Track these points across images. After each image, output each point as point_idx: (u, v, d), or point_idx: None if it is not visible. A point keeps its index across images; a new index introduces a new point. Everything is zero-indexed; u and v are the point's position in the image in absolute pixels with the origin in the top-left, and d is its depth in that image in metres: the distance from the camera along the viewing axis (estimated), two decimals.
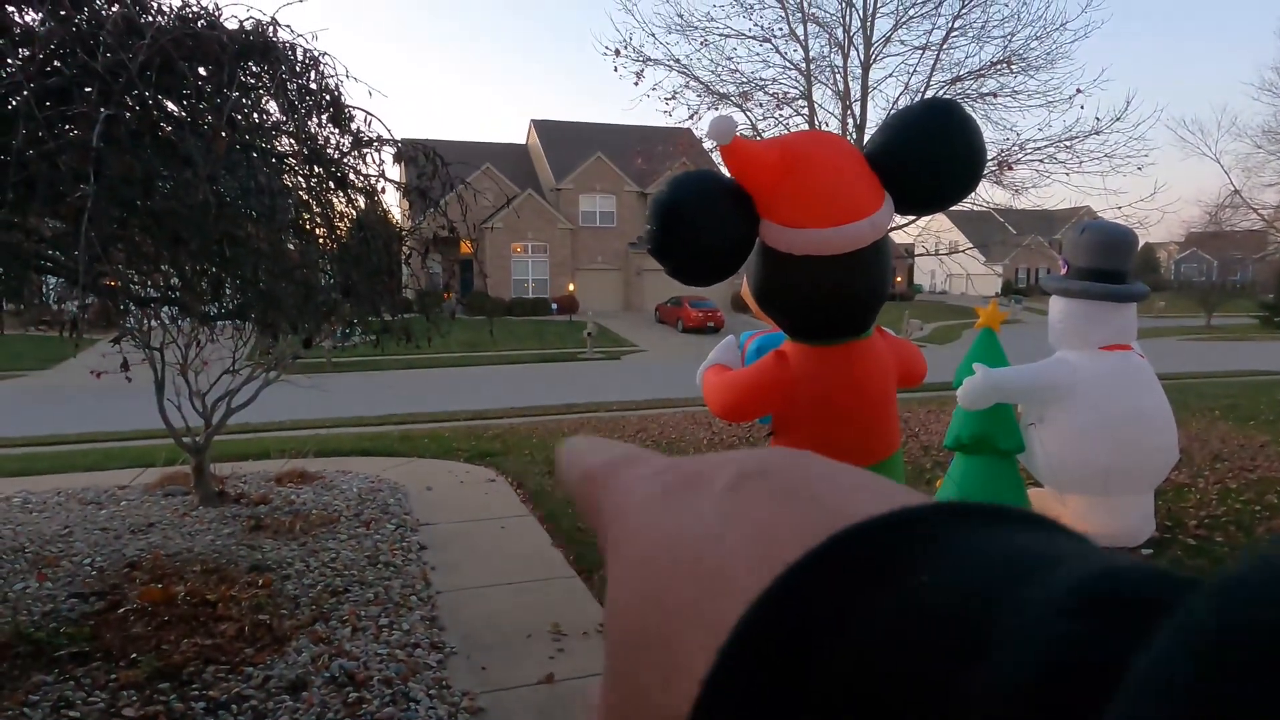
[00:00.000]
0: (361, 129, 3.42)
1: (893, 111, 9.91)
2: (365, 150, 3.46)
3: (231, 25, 3.35)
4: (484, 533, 5.89)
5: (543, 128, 43.87)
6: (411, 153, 3.69)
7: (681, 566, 0.25)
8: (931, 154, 3.64)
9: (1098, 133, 9.99)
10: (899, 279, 57.21)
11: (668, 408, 13.27)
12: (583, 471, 0.34)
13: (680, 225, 3.56)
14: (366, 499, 6.65)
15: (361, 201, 3.69)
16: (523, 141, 46.29)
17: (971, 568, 0.21)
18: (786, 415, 3.97)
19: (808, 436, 3.94)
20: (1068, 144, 10.09)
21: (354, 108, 3.41)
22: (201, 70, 3.14)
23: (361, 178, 3.55)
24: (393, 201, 6.53)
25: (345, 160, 3.45)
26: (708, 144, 10.35)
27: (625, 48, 10.57)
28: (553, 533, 5.84)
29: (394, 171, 4.10)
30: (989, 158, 10.48)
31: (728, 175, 3.72)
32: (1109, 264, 5.12)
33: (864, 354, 3.89)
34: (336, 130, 3.41)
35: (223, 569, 4.87)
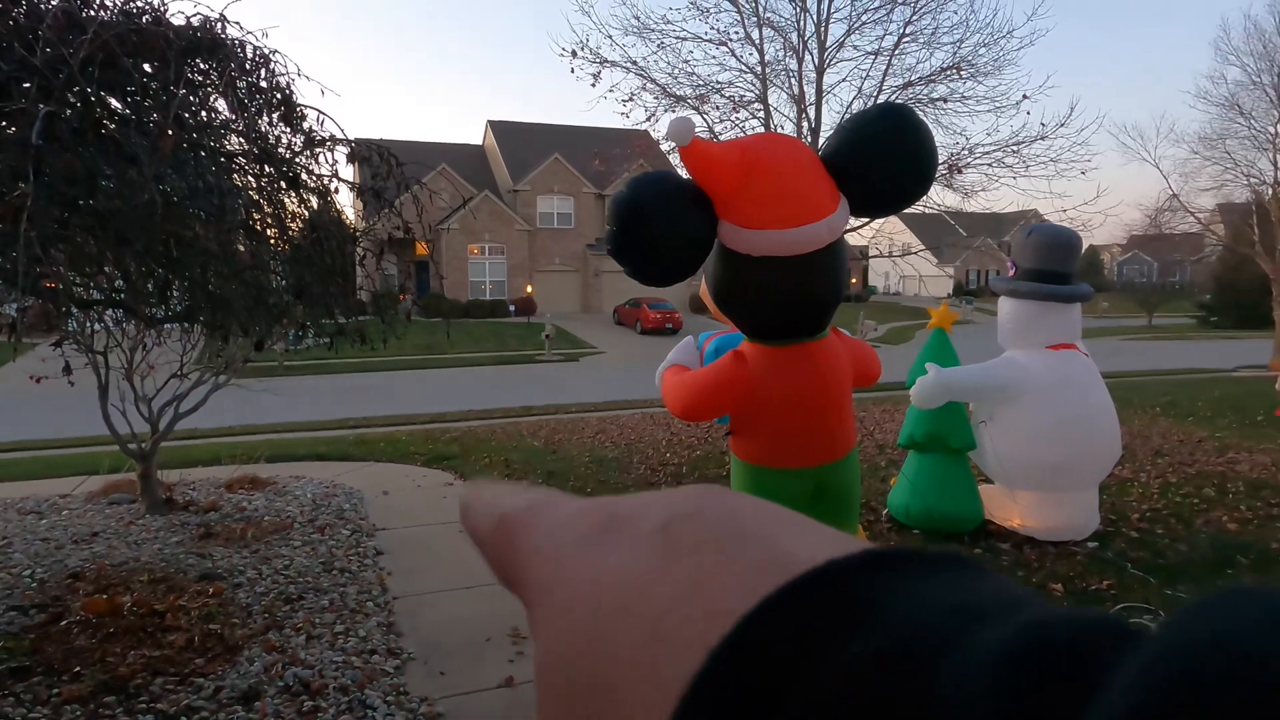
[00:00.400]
0: (314, 128, 3.36)
1: (847, 115, 10.07)
2: (318, 150, 3.40)
3: (178, 21, 3.27)
4: (442, 537, 5.83)
5: (500, 129, 43.58)
6: (365, 153, 3.64)
7: (617, 613, 0.24)
8: (885, 157, 3.71)
9: (1043, 138, 10.28)
10: (854, 280, 58.05)
11: (626, 409, 13.28)
12: (496, 517, 0.31)
13: (640, 226, 3.58)
14: (321, 504, 6.53)
15: (314, 202, 3.62)
16: (479, 142, 45.93)
17: (913, 622, 0.20)
18: (744, 415, 4.01)
19: (765, 436, 3.98)
20: (1015, 149, 10.36)
21: (306, 106, 3.36)
22: (146, 67, 3.06)
23: (314, 178, 3.49)
24: (346, 202, 6.42)
25: (297, 160, 3.38)
26: (666, 145, 10.39)
27: (582, 49, 10.57)
28: None
29: (348, 171, 4.04)
30: (940, 161, 10.71)
31: (687, 176, 3.75)
32: (1054, 265, 5.27)
33: (821, 354, 3.95)
34: (288, 129, 3.34)
35: (171, 578, 4.75)
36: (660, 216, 3.53)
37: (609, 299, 39.30)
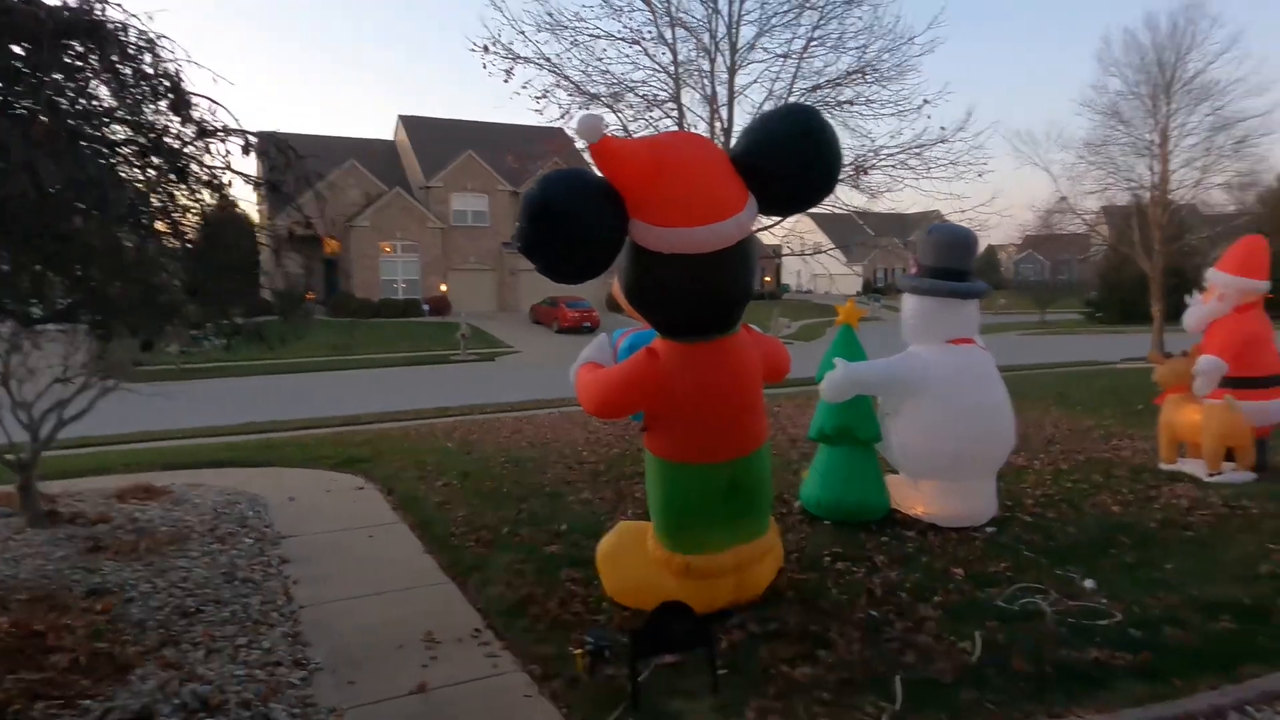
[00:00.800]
0: (205, 118, 3.19)
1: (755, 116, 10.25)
2: (209, 140, 3.23)
3: (52, 1, 3.06)
4: (352, 542, 5.66)
5: (412, 124, 42.59)
6: (262, 145, 3.48)
7: None
8: (791, 156, 3.80)
9: (943, 141, 10.72)
10: (768, 279, 59.21)
11: (544, 408, 13.16)
12: None
13: (551, 223, 3.56)
14: (222, 513, 6.25)
15: (208, 195, 3.44)
16: (391, 138, 44.78)
17: None
18: (658, 411, 4.03)
19: (679, 432, 4.02)
20: (917, 151, 10.77)
21: (197, 95, 3.18)
22: (16, 49, 2.85)
23: (206, 169, 3.31)
24: (250, 197, 6.16)
25: (188, 150, 3.20)
26: (581, 143, 10.34)
27: (494, 44, 10.43)
28: (424, 539, 5.67)
29: (249, 165, 3.85)
30: (846, 162, 11.01)
31: (599, 174, 3.74)
32: (953, 263, 5.49)
33: (732, 350, 4.02)
34: (178, 119, 3.16)
35: (54, 595, 4.45)
36: (571, 214, 3.52)
37: (525, 298, 38.93)
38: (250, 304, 4.60)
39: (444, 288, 38.15)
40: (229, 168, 3.29)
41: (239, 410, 14.15)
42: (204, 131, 3.21)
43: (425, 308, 37.12)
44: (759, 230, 13.11)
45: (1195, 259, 26.96)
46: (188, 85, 3.19)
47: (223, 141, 3.25)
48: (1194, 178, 20.79)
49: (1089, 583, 4.58)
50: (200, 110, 3.21)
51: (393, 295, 37.93)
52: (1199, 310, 7.33)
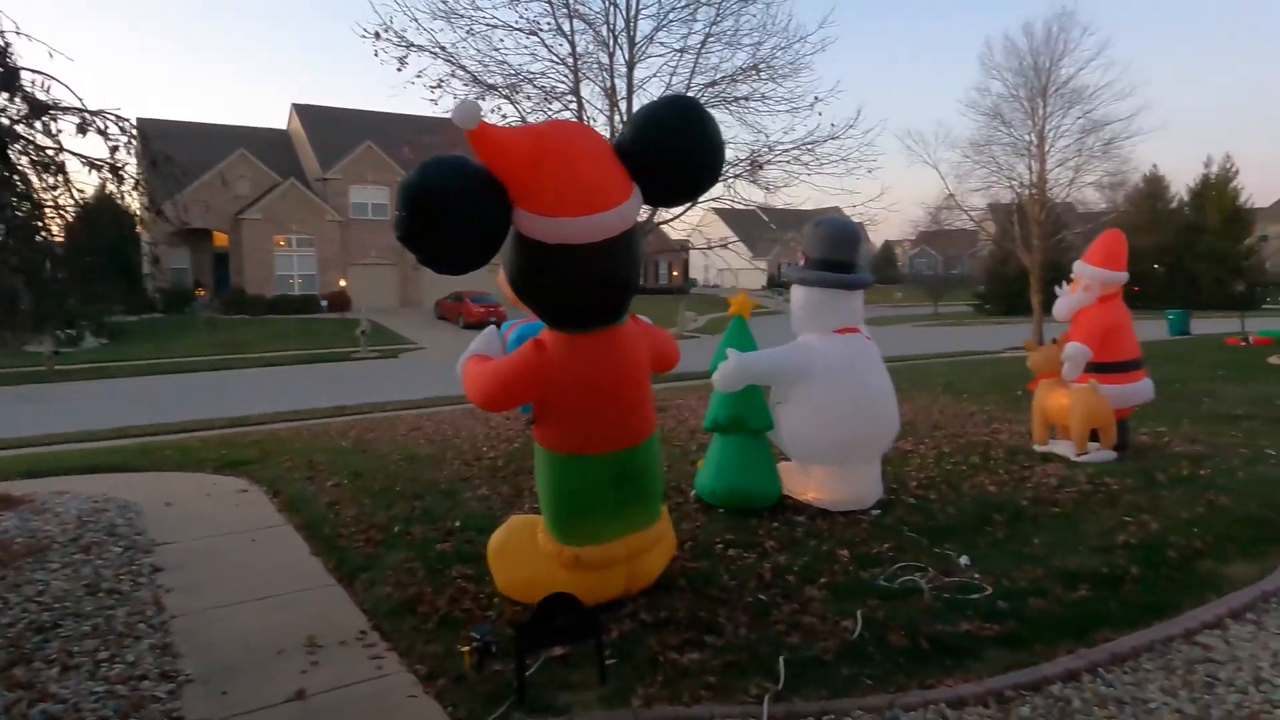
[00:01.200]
0: (36, 94, 2.93)
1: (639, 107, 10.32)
2: (45, 118, 2.98)
3: None
4: (232, 548, 5.41)
5: (306, 113, 40.99)
6: (100, 123, 3.24)
7: None
8: (674, 147, 3.82)
9: (834, 138, 11.05)
10: (675, 273, 59.80)
11: (446, 405, 12.92)
12: None
13: (431, 211, 3.47)
14: (88, 521, 5.87)
15: (36, 179, 3.18)
16: (284, 127, 42.97)
17: None
18: (547, 402, 4.00)
19: (567, 423, 4.00)
20: (809, 147, 11.06)
21: (28, 69, 2.92)
22: None
23: (37, 150, 3.06)
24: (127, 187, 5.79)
25: (17, 129, 2.95)
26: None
27: (386, 31, 10.12)
28: (311, 541, 5.47)
29: (91, 148, 3.58)
30: (742, 157, 11.22)
31: (480, 162, 3.67)
32: (838, 255, 5.65)
33: (619, 341, 4.02)
34: (5, 94, 2.90)
35: None
36: (451, 202, 3.44)
37: (430, 293, 38.09)
38: (128, 300, 4.31)
39: (343, 283, 36.92)
40: (62, 148, 3.06)
41: (116, 414, 13.34)
42: (36, 108, 2.97)
43: (323, 304, 35.84)
44: (661, 224, 13.27)
45: (1071, 253, 28.69)
46: (17, 60, 2.94)
47: (53, 119, 3.01)
48: (1068, 177, 22.14)
49: (964, 559, 4.80)
50: (34, 88, 2.96)
51: (288, 291, 36.48)
52: (1067, 300, 7.79)
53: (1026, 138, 21.82)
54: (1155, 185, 47.08)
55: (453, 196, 3.43)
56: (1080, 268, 7.71)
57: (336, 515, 5.95)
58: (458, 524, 5.63)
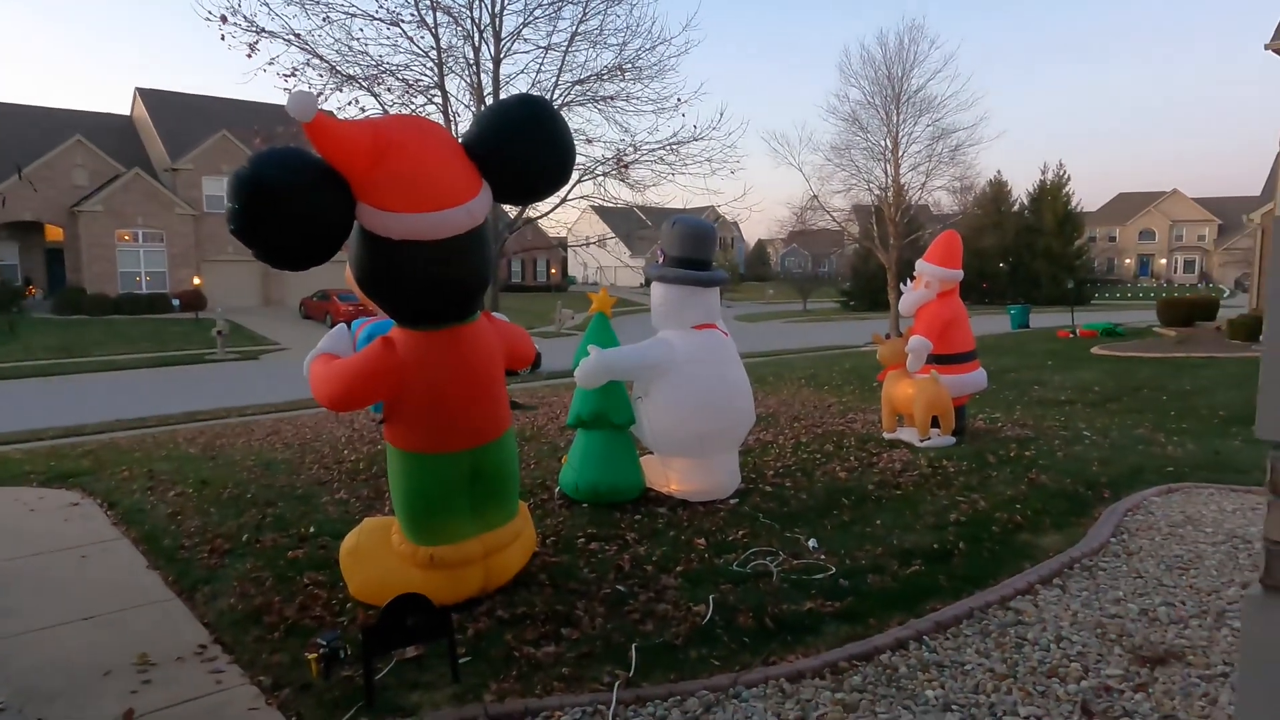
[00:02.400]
0: None
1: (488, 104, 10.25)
2: None
3: None
4: (57, 565, 5.01)
5: (152, 99, 38.20)
6: None
7: None
8: (523, 145, 3.84)
9: (698, 139, 11.34)
10: (554, 270, 59.57)
11: (309, 408, 12.41)
12: None
13: (265, 204, 3.34)
14: None
15: None
16: (127, 113, 39.90)
17: None
18: (397, 401, 3.93)
19: (419, 421, 3.95)
20: (674, 147, 11.30)
21: None
22: None
23: None
24: None
25: None
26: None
27: (234, 15, 9.59)
28: (148, 554, 5.15)
29: None
30: (611, 156, 11.34)
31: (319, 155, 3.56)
32: (695, 253, 5.82)
33: (471, 338, 4.00)
34: None
35: None
36: (286, 195, 3.33)
37: (295, 291, 36.39)
38: None
39: (197, 281, 34.68)
40: None
41: None
42: None
43: (175, 303, 33.57)
44: (539, 219, 13.29)
45: (924, 253, 30.69)
46: None
47: None
48: (920, 181, 23.65)
49: (812, 542, 5.06)
50: None
51: (135, 289, 33.97)
52: (910, 296, 8.31)
53: (883, 143, 23.12)
54: (999, 190, 50.89)
55: (286, 189, 3.32)
56: (921, 266, 8.24)
57: (178, 526, 5.62)
58: (312, 530, 5.43)
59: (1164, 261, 76.50)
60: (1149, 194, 79.01)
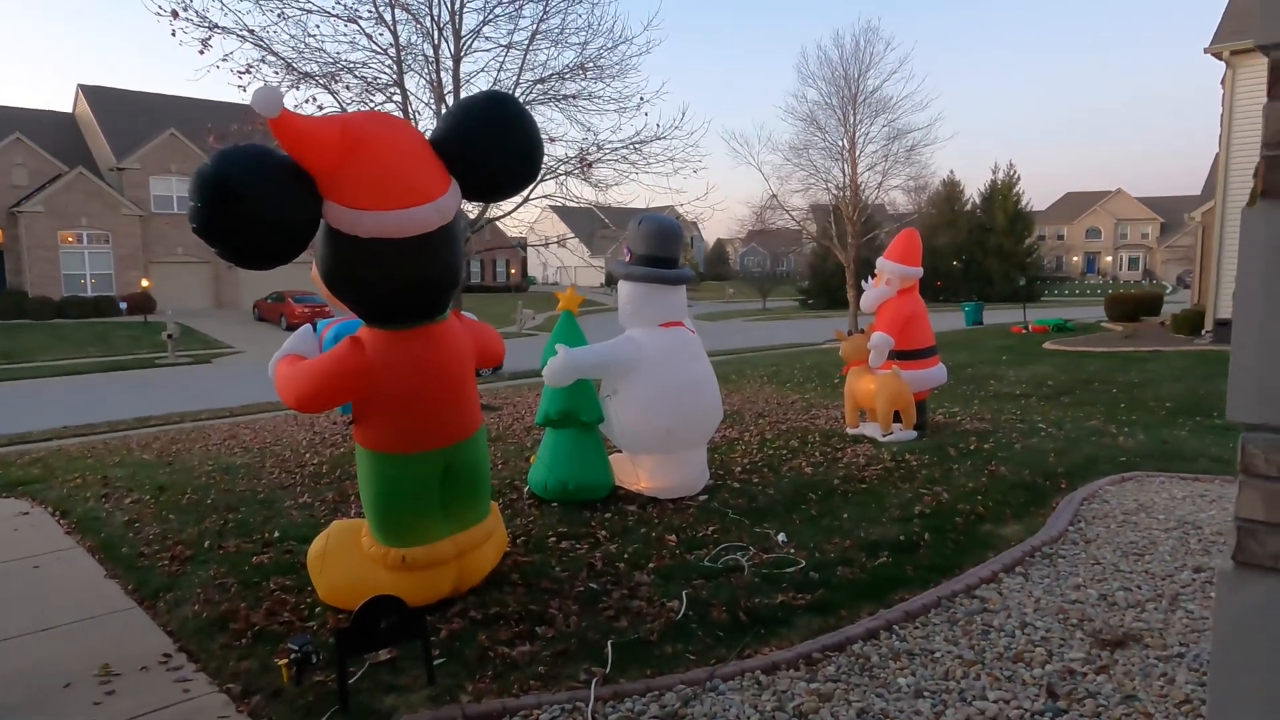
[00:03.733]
0: None
1: (455, 101, 10.17)
2: None
3: None
4: (10, 577, 4.85)
5: (96, 95, 37.06)
6: None
7: None
8: (490, 142, 3.83)
9: (660, 138, 11.36)
10: (514, 270, 59.21)
11: (266, 411, 12.18)
12: None
13: (229, 202, 3.28)
14: None
15: None
16: (69, 110, 38.67)
17: None
18: (366, 402, 3.89)
19: (388, 421, 3.91)
20: (637, 146, 11.31)
21: None
22: None
23: None
24: None
25: None
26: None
27: (185, 9, 9.35)
28: (106, 563, 5.01)
29: None
30: (573, 155, 11.31)
31: (285, 152, 3.51)
32: (661, 252, 5.84)
33: (440, 337, 3.97)
34: None
35: None
36: (251, 193, 3.27)
37: (248, 293, 35.63)
38: None
39: (146, 283, 33.76)
40: None
41: None
42: None
43: (122, 306, 32.64)
44: (498, 219, 13.17)
45: (882, 251, 31.17)
46: None
47: None
48: (877, 180, 23.96)
49: (781, 536, 5.12)
50: None
51: (80, 292, 32.97)
52: (871, 293, 8.44)
53: (840, 143, 23.40)
54: (952, 189, 51.89)
55: (250, 187, 3.26)
56: (882, 263, 8.38)
57: (136, 534, 5.48)
58: (276, 534, 5.34)
59: (1110, 259, 78.74)
60: (1095, 193, 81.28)
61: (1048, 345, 18.34)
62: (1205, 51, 16.83)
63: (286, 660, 3.46)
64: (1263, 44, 1.20)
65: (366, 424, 3.93)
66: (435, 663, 3.49)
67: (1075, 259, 79.99)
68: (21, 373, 21.10)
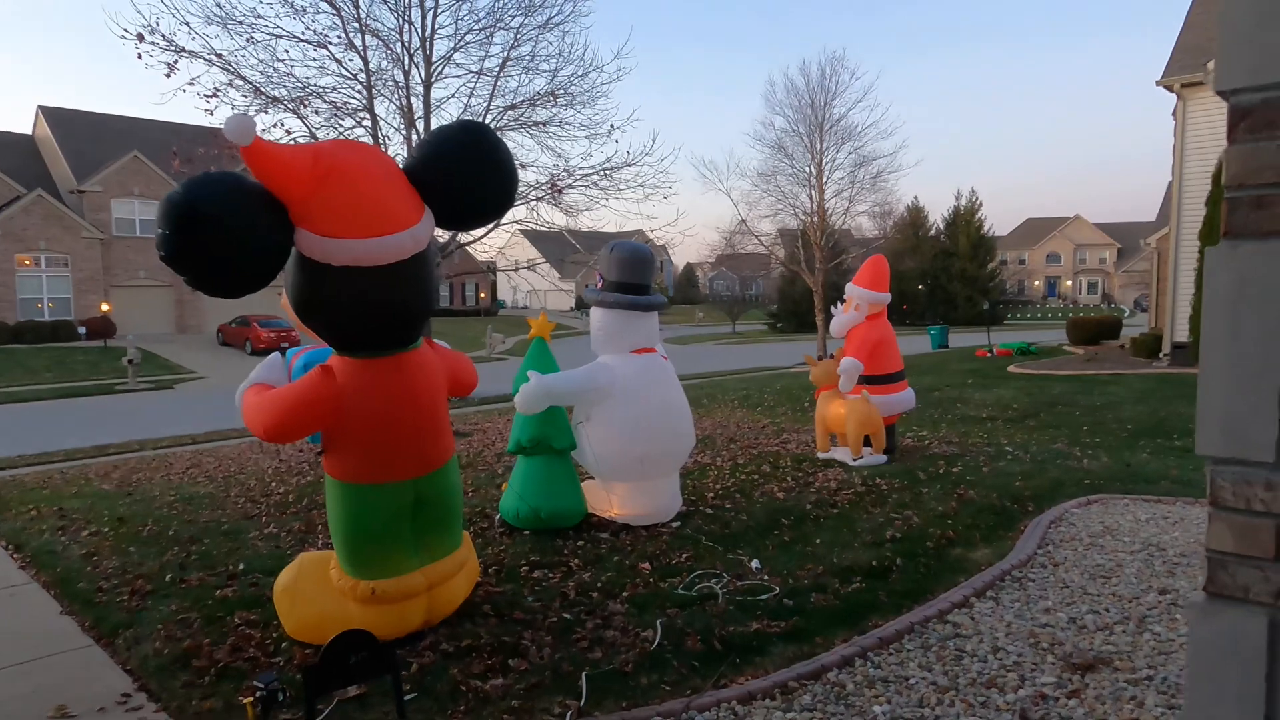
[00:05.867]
0: None
1: (427, 130, 10.18)
2: None
3: None
4: None
5: (57, 117, 36.46)
6: None
7: None
8: (465, 171, 3.83)
9: (630, 164, 11.44)
10: (483, 295, 59.00)
11: (231, 438, 11.95)
12: None
13: (196, 231, 3.24)
14: None
15: None
16: (28, 131, 37.99)
17: None
18: (336, 431, 3.83)
19: (359, 451, 3.85)
20: (607, 172, 11.38)
21: None
22: None
23: None
24: None
25: None
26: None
27: (151, 33, 9.27)
28: (61, 598, 4.85)
29: None
30: (543, 180, 11.34)
31: (256, 180, 3.48)
32: (633, 278, 5.86)
33: (413, 366, 3.93)
34: None
35: None
36: (220, 221, 3.23)
37: (212, 318, 35.05)
38: None
39: (106, 307, 33.08)
40: None
41: None
42: None
43: (81, 330, 31.91)
44: (469, 245, 13.16)
45: (849, 276, 31.64)
46: None
47: None
48: (844, 206, 24.33)
49: (755, 563, 5.11)
50: None
51: (37, 316, 32.20)
52: (841, 318, 8.53)
53: (807, 169, 23.75)
54: (916, 215, 52.85)
55: (221, 214, 3.22)
56: (851, 289, 8.48)
57: (94, 568, 5.32)
58: (241, 567, 5.21)
59: (1069, 283, 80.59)
60: (1054, 219, 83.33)
61: (1012, 369, 18.65)
62: (1157, 84, 17.41)
63: (252, 698, 3.36)
64: (1220, 89, 1.24)
65: (336, 454, 3.87)
66: (406, 698, 3.42)
67: (1037, 283, 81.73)
68: None
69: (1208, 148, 16.35)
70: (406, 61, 10.56)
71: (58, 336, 31.48)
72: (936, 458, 8.22)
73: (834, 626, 4.16)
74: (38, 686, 3.77)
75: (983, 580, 4.73)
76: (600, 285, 5.95)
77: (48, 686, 3.76)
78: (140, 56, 9.34)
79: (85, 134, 35.67)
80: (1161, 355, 18.00)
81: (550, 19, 10.94)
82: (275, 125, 10.04)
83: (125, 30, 9.23)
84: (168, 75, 9.40)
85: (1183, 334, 17.16)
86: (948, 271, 52.26)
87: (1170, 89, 17.21)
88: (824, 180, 23.62)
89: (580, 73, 11.12)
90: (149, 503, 7.09)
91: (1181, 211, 17.10)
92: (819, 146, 23.42)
